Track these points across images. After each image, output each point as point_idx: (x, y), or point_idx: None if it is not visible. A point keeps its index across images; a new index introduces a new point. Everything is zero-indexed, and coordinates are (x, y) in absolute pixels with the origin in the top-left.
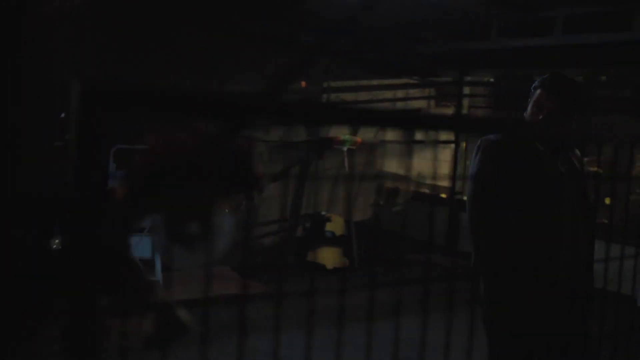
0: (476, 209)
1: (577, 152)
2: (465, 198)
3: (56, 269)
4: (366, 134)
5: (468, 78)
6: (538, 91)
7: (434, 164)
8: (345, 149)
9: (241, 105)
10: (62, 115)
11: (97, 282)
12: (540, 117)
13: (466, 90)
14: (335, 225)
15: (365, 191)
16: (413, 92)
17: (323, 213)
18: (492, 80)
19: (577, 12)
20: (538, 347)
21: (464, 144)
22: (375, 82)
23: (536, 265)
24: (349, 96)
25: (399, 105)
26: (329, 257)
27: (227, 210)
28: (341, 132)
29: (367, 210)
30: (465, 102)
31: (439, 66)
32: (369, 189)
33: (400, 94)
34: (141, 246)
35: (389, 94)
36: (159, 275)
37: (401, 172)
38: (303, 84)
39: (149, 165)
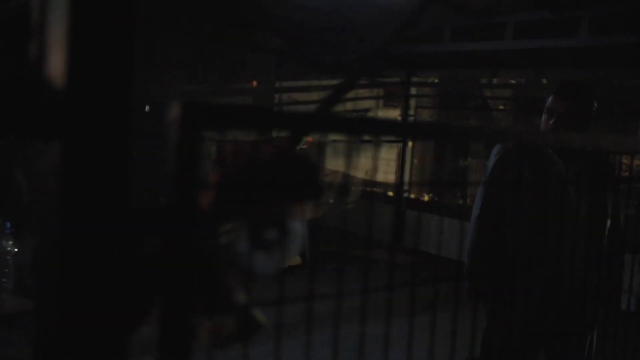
0: (482, 212)
1: (607, 158)
2: (412, 196)
3: (153, 273)
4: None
5: (415, 79)
6: (550, 98)
7: (396, 162)
8: (297, 148)
9: (311, 122)
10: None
11: (192, 285)
12: (551, 122)
13: (413, 90)
14: None
15: None
16: (362, 92)
17: None
18: (436, 81)
19: (528, 18)
20: (542, 339)
21: (410, 143)
22: (325, 82)
23: (535, 264)
24: (300, 96)
25: (348, 105)
26: None
27: (298, 217)
28: None
29: (318, 209)
30: (412, 102)
31: (387, 67)
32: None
33: (349, 93)
34: None
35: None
36: None
37: (350, 170)
38: (254, 83)
39: (231, 176)
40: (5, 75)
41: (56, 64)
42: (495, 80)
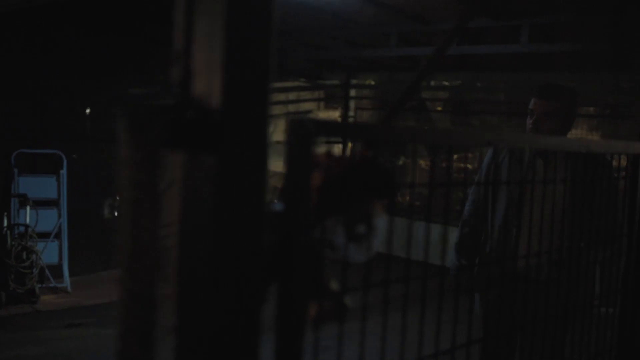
0: (469, 210)
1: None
2: None
3: (271, 262)
4: None
5: (354, 81)
6: (532, 99)
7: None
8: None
9: (387, 133)
10: None
11: (303, 273)
12: (531, 121)
13: (352, 92)
14: None
15: None
16: (304, 94)
17: None
18: (372, 83)
19: (472, 25)
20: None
21: (350, 144)
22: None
23: (508, 258)
24: None
25: (290, 107)
26: None
27: (380, 214)
28: None
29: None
30: (352, 103)
31: (329, 70)
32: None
33: (292, 96)
34: (48, 252)
35: (282, 97)
36: (67, 280)
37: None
38: None
39: (331, 181)
40: (150, 95)
41: (204, 85)
42: (432, 83)
